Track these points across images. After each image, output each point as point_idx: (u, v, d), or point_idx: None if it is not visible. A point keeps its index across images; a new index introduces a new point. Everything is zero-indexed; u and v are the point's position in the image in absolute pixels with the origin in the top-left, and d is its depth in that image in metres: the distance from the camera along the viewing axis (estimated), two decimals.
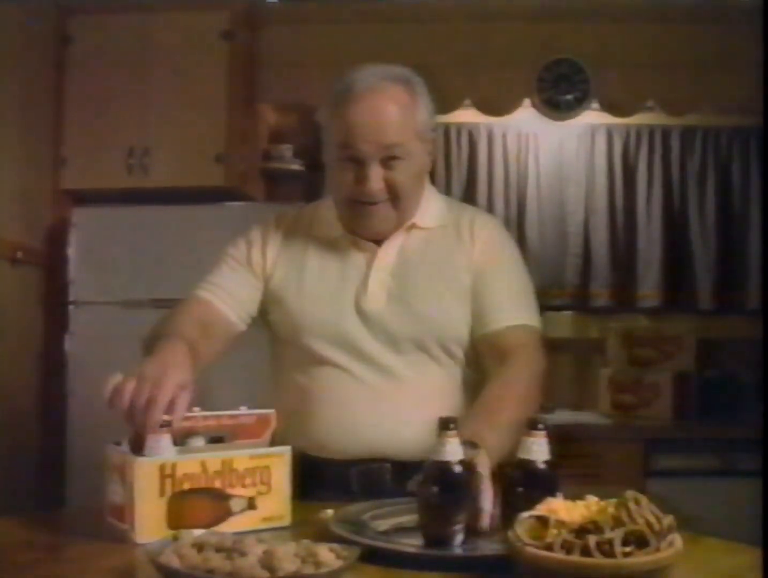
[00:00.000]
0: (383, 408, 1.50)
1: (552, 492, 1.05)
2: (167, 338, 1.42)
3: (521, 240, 3.59)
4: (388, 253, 1.58)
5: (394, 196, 1.52)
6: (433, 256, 1.59)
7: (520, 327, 1.54)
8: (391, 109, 1.48)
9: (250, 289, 1.59)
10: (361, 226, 1.56)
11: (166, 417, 1.20)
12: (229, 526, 1.17)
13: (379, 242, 1.58)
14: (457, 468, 1.11)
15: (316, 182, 3.27)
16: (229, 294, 1.57)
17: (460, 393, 1.57)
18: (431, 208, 1.63)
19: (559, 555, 0.91)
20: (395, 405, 1.50)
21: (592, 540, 0.91)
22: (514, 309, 1.55)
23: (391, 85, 1.50)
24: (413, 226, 1.60)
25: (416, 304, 1.53)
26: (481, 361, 1.55)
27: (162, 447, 1.18)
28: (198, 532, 1.03)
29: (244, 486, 1.22)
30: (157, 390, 1.21)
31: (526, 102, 3.46)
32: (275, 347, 1.64)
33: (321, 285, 1.57)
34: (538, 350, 1.54)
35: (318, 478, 1.41)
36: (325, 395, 1.53)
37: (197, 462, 1.19)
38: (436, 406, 1.37)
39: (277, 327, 1.60)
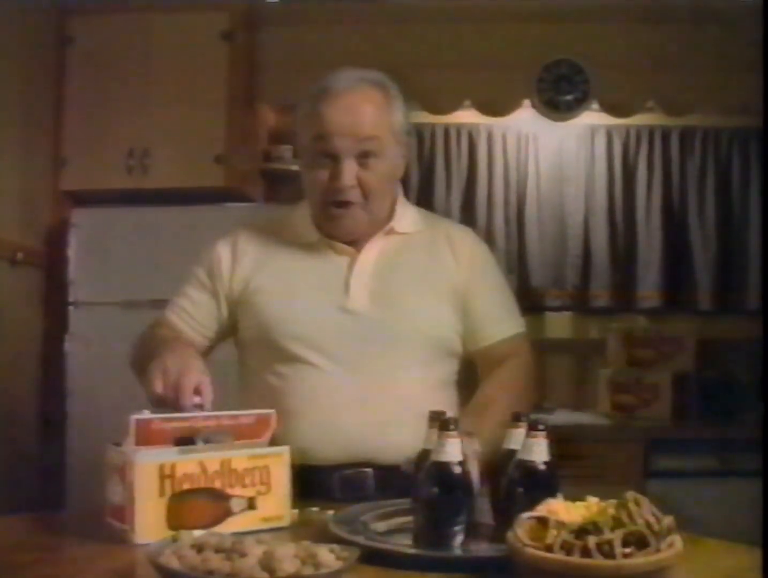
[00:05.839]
0: (365, 411, 1.48)
1: (552, 493, 1.05)
2: (167, 340, 1.47)
3: (521, 240, 3.60)
4: (368, 257, 1.59)
5: (366, 196, 1.53)
6: (414, 260, 1.61)
7: (510, 337, 1.63)
8: (366, 105, 1.53)
9: (209, 309, 1.63)
10: (334, 227, 1.58)
11: (197, 400, 1.29)
12: (229, 526, 1.17)
13: (357, 247, 1.59)
14: (457, 469, 1.11)
15: None
16: (191, 317, 1.63)
17: (444, 393, 1.57)
18: (407, 215, 1.66)
19: (558, 556, 0.91)
20: (377, 407, 1.49)
21: (591, 541, 0.91)
22: (504, 320, 1.65)
23: (366, 86, 1.55)
24: (392, 231, 1.62)
25: (399, 305, 1.54)
26: (474, 368, 1.64)
27: None
28: (198, 533, 1.03)
29: (243, 486, 1.22)
30: (183, 378, 1.30)
31: (526, 102, 3.46)
32: (246, 353, 1.63)
33: (299, 288, 1.57)
34: (528, 352, 1.66)
35: (299, 485, 1.33)
36: (304, 399, 1.51)
37: (197, 462, 1.19)
38: (419, 408, 1.32)
39: (252, 333, 1.59)
